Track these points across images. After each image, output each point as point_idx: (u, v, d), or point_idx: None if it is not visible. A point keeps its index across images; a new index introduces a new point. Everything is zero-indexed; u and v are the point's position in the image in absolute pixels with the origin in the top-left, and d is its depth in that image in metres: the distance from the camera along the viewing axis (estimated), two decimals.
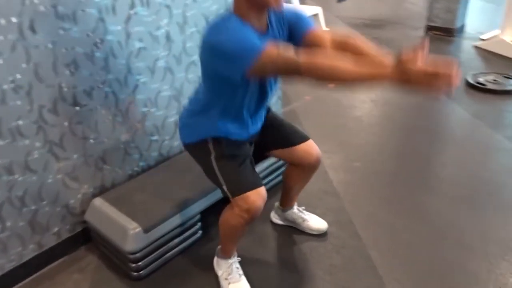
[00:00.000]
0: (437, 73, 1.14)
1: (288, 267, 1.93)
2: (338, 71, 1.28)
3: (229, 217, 1.64)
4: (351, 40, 1.48)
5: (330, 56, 1.34)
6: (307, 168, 1.90)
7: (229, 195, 1.60)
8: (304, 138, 1.85)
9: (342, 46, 1.45)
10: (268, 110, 1.84)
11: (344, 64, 1.28)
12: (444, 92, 1.17)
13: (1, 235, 1.75)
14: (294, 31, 1.55)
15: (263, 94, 1.60)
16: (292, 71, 1.33)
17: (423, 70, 1.15)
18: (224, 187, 1.61)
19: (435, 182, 2.51)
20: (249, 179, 1.61)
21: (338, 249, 2.00)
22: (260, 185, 1.60)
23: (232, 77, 1.39)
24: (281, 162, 2.32)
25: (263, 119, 1.76)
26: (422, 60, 1.16)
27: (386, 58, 1.34)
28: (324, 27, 5.78)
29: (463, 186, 2.45)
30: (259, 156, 1.83)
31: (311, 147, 1.85)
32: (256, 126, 1.71)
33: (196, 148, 1.69)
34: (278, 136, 1.83)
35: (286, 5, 1.48)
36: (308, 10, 5.77)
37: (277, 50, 1.33)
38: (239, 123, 1.63)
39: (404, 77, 1.18)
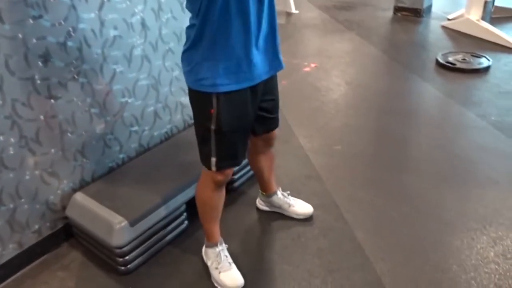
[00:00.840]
0: None
1: (277, 252, 1.94)
2: None
3: (202, 186, 1.70)
4: None
5: None
6: (264, 147, 1.90)
7: (213, 167, 1.58)
8: (276, 126, 1.82)
9: None
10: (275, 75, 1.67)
11: None
12: None
13: None
14: None
15: (260, 3, 1.40)
16: None
17: None
18: (213, 160, 1.57)
19: (413, 162, 2.58)
20: (238, 158, 1.63)
21: (325, 232, 2.03)
22: (240, 163, 1.66)
23: None
24: None
25: (271, 56, 1.55)
26: None
27: None
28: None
29: (439, 164, 2.52)
30: None
31: (273, 134, 1.86)
32: (263, 64, 1.51)
33: (198, 101, 1.54)
34: (262, 121, 1.71)
35: None
36: None
37: None
38: (242, 51, 1.42)
39: None
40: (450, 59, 3.87)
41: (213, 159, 1.57)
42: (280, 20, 5.47)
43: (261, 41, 1.47)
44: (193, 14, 1.40)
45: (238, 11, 1.35)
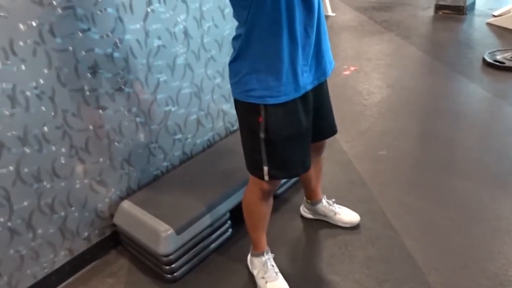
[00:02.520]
0: None
1: (324, 262, 1.89)
2: None
3: (249, 195, 1.66)
4: None
5: None
6: (314, 153, 1.77)
7: (266, 176, 1.52)
8: (333, 132, 1.78)
9: None
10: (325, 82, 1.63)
11: None
12: None
13: (32, 243, 1.72)
14: None
15: (309, 12, 1.35)
16: None
17: None
18: (265, 168, 1.50)
19: (463, 166, 2.46)
20: (295, 167, 1.55)
21: (373, 240, 1.96)
22: (300, 174, 1.60)
23: None
24: None
25: (319, 63, 1.51)
26: None
27: None
28: (330, 12, 5.69)
29: (492, 168, 2.39)
30: None
31: (324, 141, 1.83)
32: (311, 72, 1.47)
33: (245, 111, 1.50)
34: (316, 126, 1.62)
35: None
36: None
37: None
38: (290, 62, 1.38)
39: None
40: (498, 57, 3.69)
41: (265, 168, 1.51)
42: None
43: (308, 50, 1.43)
44: (240, 23, 1.37)
45: (286, 20, 1.31)
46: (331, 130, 1.76)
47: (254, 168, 1.56)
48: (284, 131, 1.47)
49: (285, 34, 1.33)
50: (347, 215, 2.05)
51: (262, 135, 1.46)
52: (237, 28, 1.41)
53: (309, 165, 1.60)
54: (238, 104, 1.51)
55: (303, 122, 1.51)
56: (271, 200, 1.69)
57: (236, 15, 1.39)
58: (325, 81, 1.63)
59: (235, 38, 1.42)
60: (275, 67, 1.37)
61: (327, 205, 2.06)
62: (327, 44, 1.54)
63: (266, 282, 1.72)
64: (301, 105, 1.48)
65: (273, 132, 1.45)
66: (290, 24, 1.32)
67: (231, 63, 1.46)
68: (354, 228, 2.04)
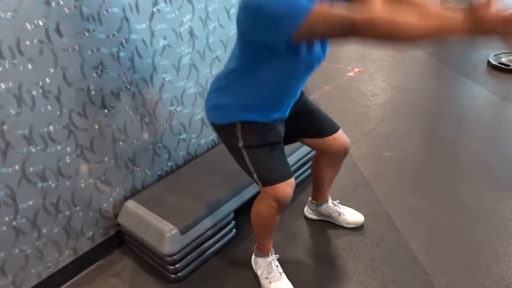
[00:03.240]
0: None
1: (329, 263, 1.89)
2: (401, 26, 1.09)
3: (260, 207, 1.63)
4: None
5: (390, 10, 1.14)
6: (336, 156, 1.85)
7: (260, 183, 1.57)
8: (336, 128, 1.81)
9: None
10: (305, 98, 1.75)
11: (407, 17, 1.09)
12: None
13: (37, 242, 1.73)
14: None
15: (308, 68, 1.44)
16: (346, 30, 1.14)
17: (500, 16, 0.99)
18: (255, 176, 1.57)
19: (467, 168, 2.45)
20: (279, 170, 1.57)
21: (377, 242, 1.96)
22: (290, 176, 1.58)
23: (277, 44, 1.23)
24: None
25: (297, 97, 1.63)
26: (496, 6, 1.01)
27: (449, 9, 1.13)
28: None
29: (496, 171, 2.38)
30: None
31: (340, 137, 1.81)
32: (289, 107, 1.61)
33: (223, 130, 1.61)
34: (310, 124, 1.76)
35: None
36: None
37: (329, 7, 1.16)
38: (273, 104, 1.52)
39: (478, 26, 1.02)
40: (503, 60, 3.68)
41: (256, 177, 1.57)
42: None
43: (290, 101, 1.59)
44: (238, 65, 1.45)
45: (286, 80, 1.45)
46: (332, 127, 1.79)
47: (252, 179, 1.60)
48: (261, 138, 1.55)
49: (277, 88, 1.47)
50: (351, 216, 2.05)
51: (240, 144, 1.54)
52: (233, 62, 1.46)
53: (290, 173, 1.60)
54: (216, 127, 1.62)
55: (279, 129, 1.60)
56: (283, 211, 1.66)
57: (239, 55, 1.43)
58: (301, 94, 1.71)
59: (228, 71, 1.50)
60: (255, 107, 1.51)
61: (332, 205, 2.06)
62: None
63: (270, 282, 1.72)
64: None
65: (249, 139, 1.54)
66: (287, 83, 1.48)
67: (215, 90, 1.56)
68: (358, 229, 2.04)
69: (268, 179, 1.55)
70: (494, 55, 3.77)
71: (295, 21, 1.16)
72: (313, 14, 1.15)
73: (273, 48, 1.25)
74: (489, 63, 3.69)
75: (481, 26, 1.02)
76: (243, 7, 1.27)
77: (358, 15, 1.13)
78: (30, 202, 1.66)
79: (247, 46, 1.37)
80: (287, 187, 1.54)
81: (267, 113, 1.53)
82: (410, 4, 1.20)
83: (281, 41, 1.21)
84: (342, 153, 1.83)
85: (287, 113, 1.62)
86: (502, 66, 3.60)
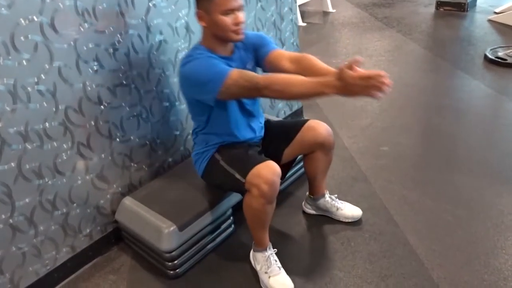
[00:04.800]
0: (369, 75, 1.33)
1: (327, 257, 1.89)
2: (291, 84, 1.49)
3: (250, 200, 1.65)
4: (305, 55, 1.70)
5: (284, 75, 1.57)
6: (321, 148, 1.90)
7: (242, 179, 1.63)
8: (304, 121, 1.91)
9: (298, 59, 1.68)
10: (268, 121, 1.99)
11: (297, 77, 1.50)
12: (379, 94, 1.34)
13: (34, 240, 1.72)
14: (259, 52, 1.76)
15: (243, 109, 1.77)
16: (253, 90, 1.53)
17: (359, 74, 1.35)
18: (237, 176, 1.66)
19: (465, 162, 2.45)
20: (256, 158, 1.69)
21: (375, 236, 1.96)
22: (269, 160, 1.66)
23: (206, 101, 1.62)
24: None
25: (259, 125, 1.89)
26: (356, 69, 1.36)
27: (332, 70, 1.55)
28: (330, 9, 5.67)
29: (494, 165, 2.39)
30: (278, 161, 1.83)
31: (315, 126, 1.89)
32: (252, 133, 1.84)
33: (209, 171, 1.81)
34: (281, 134, 1.92)
35: (249, 32, 1.76)
36: None
37: (239, 73, 1.55)
38: (234, 136, 1.79)
39: (344, 83, 1.36)
40: (500, 54, 3.68)
41: (237, 175, 1.66)
42: (316, 20, 5.41)
43: (249, 127, 1.84)
44: (195, 119, 1.82)
45: (231, 113, 1.74)
46: (300, 122, 1.92)
47: (234, 185, 1.69)
48: (236, 149, 1.78)
49: (232, 120, 1.76)
50: (349, 210, 2.05)
51: (218, 157, 1.78)
52: (193, 119, 1.84)
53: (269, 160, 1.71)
54: (205, 174, 1.84)
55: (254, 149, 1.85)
56: (275, 203, 1.68)
57: (190, 112, 1.84)
58: (267, 121, 1.99)
59: (193, 127, 1.86)
60: (224, 135, 1.79)
61: (329, 200, 2.05)
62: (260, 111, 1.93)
63: (269, 277, 1.72)
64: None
65: (226, 151, 1.78)
66: (237, 114, 1.77)
67: (194, 146, 1.90)
68: (357, 223, 2.03)
69: (247, 168, 1.62)
70: (491, 50, 3.77)
71: (215, 86, 1.55)
72: (227, 80, 1.53)
73: (207, 103, 1.64)
74: (486, 57, 3.69)
75: (346, 83, 1.36)
76: (179, 77, 1.69)
77: (260, 78, 1.53)
78: (27, 200, 1.65)
79: (192, 103, 1.74)
80: (267, 171, 1.60)
81: (237, 135, 1.79)
82: (306, 65, 1.64)
83: (210, 100, 1.61)
84: (324, 143, 1.88)
85: (260, 133, 1.89)
86: (499, 60, 3.60)
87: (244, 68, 1.71)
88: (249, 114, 1.81)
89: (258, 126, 1.89)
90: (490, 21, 4.66)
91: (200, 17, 1.62)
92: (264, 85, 1.50)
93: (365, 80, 1.33)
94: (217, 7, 1.56)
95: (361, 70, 1.37)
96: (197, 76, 1.58)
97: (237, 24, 1.59)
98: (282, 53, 1.73)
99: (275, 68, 1.70)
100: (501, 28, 4.44)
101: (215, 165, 1.78)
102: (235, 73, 1.54)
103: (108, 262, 1.96)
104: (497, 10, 4.87)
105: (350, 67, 1.36)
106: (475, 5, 5.22)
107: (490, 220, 1.99)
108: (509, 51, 3.70)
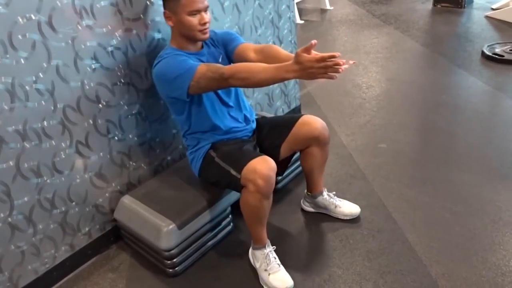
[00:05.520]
0: (323, 57, 1.38)
1: (326, 255, 1.89)
2: (254, 71, 1.56)
3: (246, 196, 1.66)
4: (269, 45, 1.82)
5: (247, 63, 1.68)
6: (316, 143, 1.92)
7: (238, 175, 1.65)
8: (298, 116, 1.94)
9: (261, 49, 1.77)
10: (263, 117, 2.06)
11: (259, 65, 1.58)
12: (334, 75, 1.40)
13: (33, 238, 1.72)
14: (228, 48, 1.85)
15: (220, 100, 1.82)
16: (220, 80, 1.59)
17: (314, 56, 1.41)
18: (232, 172, 1.68)
19: (463, 159, 2.46)
20: (251, 153, 1.73)
21: (374, 233, 1.96)
22: (263, 155, 1.69)
23: (180, 97, 1.68)
24: None
25: (243, 116, 1.92)
26: (312, 53, 1.43)
27: (292, 56, 1.56)
28: (328, 6, 5.67)
29: (492, 161, 2.40)
30: (275, 157, 1.83)
31: (309, 121, 1.92)
32: (236, 122, 1.88)
33: (205, 168, 1.84)
34: (275, 130, 1.95)
35: (217, 30, 1.90)
36: None
37: (206, 66, 1.63)
38: (220, 129, 1.83)
39: (302, 66, 1.42)
40: (497, 50, 3.69)
41: (232, 171, 1.68)
42: (314, 18, 5.40)
43: (233, 118, 1.88)
44: (179, 119, 1.86)
45: (210, 107, 1.80)
46: (294, 117, 1.95)
47: (231, 183, 1.71)
48: (229, 146, 1.82)
49: (214, 113, 1.81)
50: (347, 207, 2.06)
51: (213, 154, 1.80)
52: (178, 125, 1.93)
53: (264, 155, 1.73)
54: (201, 172, 1.86)
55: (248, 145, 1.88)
56: (271, 198, 1.69)
57: (172, 112, 1.91)
58: (261, 118, 2.05)
59: (181, 129, 1.90)
60: (213, 130, 1.84)
61: (327, 197, 2.06)
62: (246, 104, 1.99)
63: (269, 274, 1.72)
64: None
65: (220, 147, 1.81)
66: (217, 107, 1.82)
67: (187, 148, 1.92)
68: (355, 221, 2.04)
69: (242, 163, 1.64)
70: (488, 46, 3.78)
71: (185, 81, 1.62)
72: (196, 74, 1.60)
73: (181, 99, 1.69)
74: (483, 53, 3.70)
75: (303, 66, 1.42)
76: (153, 78, 1.76)
77: (225, 68, 1.59)
78: (25, 198, 1.65)
79: (169, 103, 1.80)
80: (263, 165, 1.61)
81: (220, 125, 1.82)
82: (270, 54, 1.72)
83: (182, 95, 1.66)
84: (316, 135, 1.90)
85: (248, 124, 1.92)
86: (496, 56, 3.61)
87: (216, 62, 1.79)
88: (226, 105, 1.85)
89: (241, 116, 1.91)
90: (487, 17, 4.67)
91: (167, 17, 1.71)
92: (229, 74, 1.57)
93: (320, 62, 1.39)
94: (184, 8, 1.65)
95: (316, 53, 1.43)
96: (167, 74, 1.66)
97: (203, 24, 1.68)
98: (248, 46, 1.83)
99: (242, 59, 1.78)
100: (498, 24, 4.45)
101: (210, 162, 1.81)
102: (202, 67, 1.62)
103: (107, 261, 1.96)
104: (494, 7, 4.88)
105: (306, 50, 1.42)
106: (472, 2, 5.23)
107: (488, 216, 2.00)
108: (506, 47, 3.71)
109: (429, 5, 5.28)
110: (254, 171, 1.60)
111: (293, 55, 1.59)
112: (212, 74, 1.60)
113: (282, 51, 1.74)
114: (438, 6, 5.20)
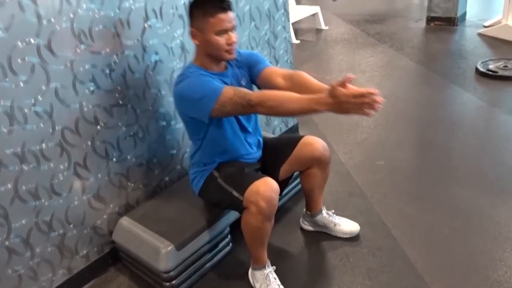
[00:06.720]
0: (362, 93, 1.34)
1: (326, 274, 1.88)
2: (284, 100, 1.51)
3: (248, 217, 1.64)
4: (297, 72, 1.73)
5: (277, 91, 1.62)
6: (318, 164, 1.91)
7: (240, 197, 1.63)
8: (299, 137, 1.93)
9: (290, 76, 1.71)
10: (264, 138, 1.98)
11: (289, 94, 1.52)
12: (370, 112, 1.36)
13: (30, 262, 1.70)
14: (252, 70, 1.79)
15: (239, 125, 1.78)
16: (247, 106, 1.54)
17: (350, 92, 1.36)
18: (234, 193, 1.66)
19: (461, 174, 2.47)
20: (254, 175, 1.71)
21: (374, 251, 1.95)
22: (267, 177, 1.66)
23: (200, 118, 1.63)
24: None
25: (257, 141, 1.89)
26: (349, 87, 1.39)
27: (324, 87, 1.56)
28: (323, 26, 5.76)
29: (490, 176, 2.40)
30: (279, 184, 1.80)
31: (311, 142, 1.90)
32: (249, 148, 1.84)
33: (207, 188, 1.81)
34: (277, 151, 1.93)
35: (242, 50, 1.83)
36: (306, 10, 5.75)
37: (233, 90, 1.57)
38: (232, 154, 1.79)
39: (336, 100, 1.38)
40: (491, 66, 3.74)
41: (235, 193, 1.66)
42: (310, 37, 5.48)
43: (248, 144, 1.84)
44: (194, 139, 1.82)
45: (227, 131, 1.74)
46: (296, 138, 1.95)
47: (232, 203, 1.69)
48: (234, 167, 1.77)
49: (229, 136, 1.76)
50: (347, 225, 2.05)
51: (216, 174, 1.77)
52: (192, 139, 1.85)
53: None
54: (203, 191, 1.83)
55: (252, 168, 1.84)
56: (273, 220, 1.68)
57: (188, 131, 1.83)
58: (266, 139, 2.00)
59: (192, 148, 1.86)
60: (223, 154, 1.80)
61: (327, 216, 2.05)
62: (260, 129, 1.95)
63: None
64: None
65: (224, 168, 1.78)
66: (233, 131, 1.77)
67: (191, 166, 1.88)
68: (355, 239, 2.03)
69: (245, 185, 1.62)
70: (482, 62, 3.83)
71: (209, 103, 1.56)
72: (221, 97, 1.55)
73: (202, 121, 1.64)
74: (477, 70, 3.75)
75: (338, 100, 1.37)
76: (173, 96, 1.71)
77: (253, 95, 1.55)
78: (23, 221, 1.64)
79: (187, 122, 1.76)
80: (265, 187, 1.60)
81: (235, 153, 1.79)
82: (299, 81, 1.67)
83: (203, 117, 1.61)
84: (321, 159, 1.89)
85: (258, 150, 1.89)
86: (490, 72, 3.65)
87: (239, 84, 1.74)
88: (245, 130, 1.82)
89: (255, 142, 1.88)
90: (479, 34, 4.74)
91: (193, 36, 1.66)
92: (257, 101, 1.53)
93: (357, 97, 1.35)
94: (212, 27, 1.59)
95: (353, 88, 1.39)
96: (190, 94, 1.60)
97: (230, 44, 1.62)
98: (275, 70, 1.77)
99: (268, 85, 1.74)
100: (490, 41, 4.51)
101: (212, 182, 1.78)
102: (228, 90, 1.57)
103: (105, 284, 1.93)
104: (486, 24, 4.96)
105: (342, 84, 1.38)
106: (464, 19, 5.32)
107: (487, 232, 2.00)
108: (499, 63, 3.76)
109: (422, 24, 5.36)
110: (257, 192, 1.58)
111: (324, 85, 1.59)
112: (239, 99, 1.54)
113: (313, 80, 1.67)
114: (431, 24, 5.28)
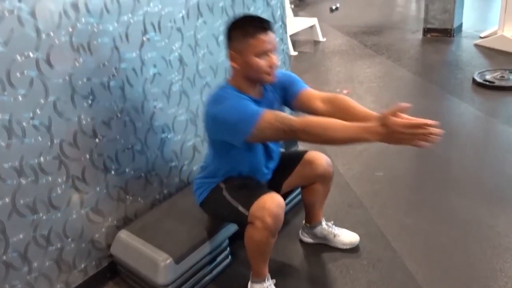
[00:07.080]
0: (416, 124, 1.27)
1: (326, 286, 1.86)
2: (330, 128, 1.41)
3: (252, 232, 1.61)
4: (337, 95, 1.64)
5: (322, 118, 1.51)
6: (321, 180, 1.90)
7: (246, 212, 1.60)
8: (303, 152, 1.90)
9: (330, 100, 1.62)
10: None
11: (336, 121, 1.42)
12: (426, 143, 1.27)
13: (28, 277, 1.68)
14: (288, 92, 1.70)
15: (266, 151, 1.73)
16: (288, 132, 1.45)
17: (404, 122, 1.27)
18: (240, 208, 1.62)
19: (460, 184, 2.47)
20: (260, 190, 1.65)
21: (374, 263, 1.94)
22: (273, 192, 1.63)
23: (234, 142, 1.55)
24: None
25: (274, 166, 1.85)
26: (402, 116, 1.30)
27: (372, 114, 1.49)
28: (321, 38, 5.80)
29: (488, 186, 2.40)
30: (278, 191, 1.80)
31: (314, 157, 1.87)
32: (268, 174, 1.82)
33: (211, 200, 1.77)
34: (279, 166, 1.88)
35: (279, 70, 1.65)
36: (304, 23, 5.80)
37: (274, 115, 1.48)
38: (249, 174, 1.76)
39: (388, 130, 1.29)
40: (488, 77, 3.76)
41: (240, 208, 1.62)
42: (307, 49, 5.51)
43: (265, 171, 1.80)
44: (214, 154, 1.74)
45: (251, 154, 1.68)
46: (299, 153, 1.91)
47: (240, 219, 1.64)
48: (240, 180, 1.73)
49: (250, 160, 1.71)
50: (346, 236, 2.04)
51: (222, 185, 1.72)
52: (210, 155, 1.77)
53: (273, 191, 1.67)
54: (205, 203, 1.79)
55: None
56: (277, 235, 1.66)
57: (211, 149, 1.75)
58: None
59: (208, 161, 1.80)
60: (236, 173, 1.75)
61: (326, 227, 2.05)
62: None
63: None
64: None
65: (230, 181, 1.73)
66: (256, 154, 1.71)
67: (200, 178, 1.82)
68: (355, 250, 2.02)
69: (251, 200, 1.59)
70: (479, 73, 3.85)
71: (247, 127, 1.47)
72: (261, 123, 1.46)
73: (232, 144, 1.56)
74: (474, 80, 3.77)
75: (390, 130, 1.28)
76: (205, 116, 1.60)
77: (296, 121, 1.44)
78: (21, 235, 1.63)
79: (216, 144, 1.68)
80: (271, 203, 1.56)
81: (252, 174, 1.76)
82: (341, 107, 1.58)
83: (237, 141, 1.53)
84: (324, 175, 1.88)
85: (269, 174, 1.83)
86: (487, 83, 3.67)
87: (272, 108, 1.61)
88: (269, 157, 1.78)
89: (273, 166, 1.85)
90: (476, 45, 4.78)
91: (232, 58, 1.57)
92: (299, 128, 1.44)
93: (412, 128, 1.27)
94: (252, 49, 1.51)
95: (406, 117, 1.30)
96: (227, 117, 1.50)
97: (271, 66, 1.54)
98: (313, 93, 1.68)
99: (307, 108, 1.65)
100: (487, 52, 4.55)
101: (217, 194, 1.73)
102: (268, 115, 1.47)
103: None
104: (482, 35, 5.00)
105: (394, 113, 1.29)
106: (461, 31, 5.37)
107: (487, 242, 1.99)
108: (496, 74, 3.79)
109: (419, 35, 5.40)
110: (264, 208, 1.55)
111: (371, 112, 1.52)
112: (280, 125, 1.45)
113: (357, 105, 1.58)
114: (428, 35, 5.33)
